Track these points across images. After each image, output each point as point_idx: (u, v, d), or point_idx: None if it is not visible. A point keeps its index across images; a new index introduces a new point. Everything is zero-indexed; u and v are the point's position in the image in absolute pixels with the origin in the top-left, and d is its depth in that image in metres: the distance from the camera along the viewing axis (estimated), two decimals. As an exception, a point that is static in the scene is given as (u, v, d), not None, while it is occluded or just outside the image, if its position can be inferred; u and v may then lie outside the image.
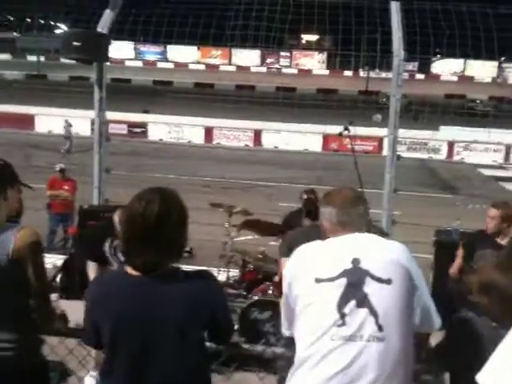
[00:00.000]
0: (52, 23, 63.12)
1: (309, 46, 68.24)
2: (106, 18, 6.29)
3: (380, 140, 24.99)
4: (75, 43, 5.68)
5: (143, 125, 27.60)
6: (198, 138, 27.31)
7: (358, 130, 25.56)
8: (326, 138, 26.39)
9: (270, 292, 5.06)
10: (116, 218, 3.75)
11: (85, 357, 2.57)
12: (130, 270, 1.84)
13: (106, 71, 6.49)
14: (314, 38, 67.51)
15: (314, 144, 26.68)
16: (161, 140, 26.86)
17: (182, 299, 1.79)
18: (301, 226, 6.10)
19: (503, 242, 4.04)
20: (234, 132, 27.44)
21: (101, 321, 1.83)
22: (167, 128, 27.55)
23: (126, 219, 1.84)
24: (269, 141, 27.16)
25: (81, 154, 20.09)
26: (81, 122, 24.36)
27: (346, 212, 1.96)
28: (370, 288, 1.79)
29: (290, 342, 2.05)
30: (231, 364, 2.33)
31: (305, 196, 6.19)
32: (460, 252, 4.40)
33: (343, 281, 1.80)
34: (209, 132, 27.40)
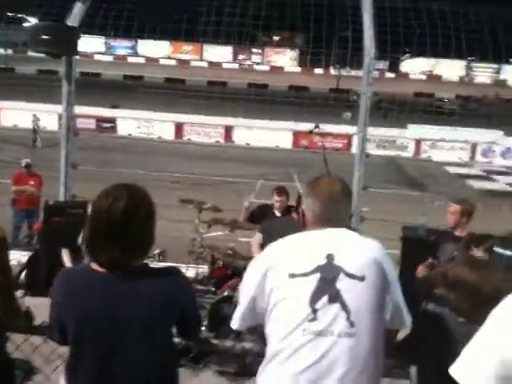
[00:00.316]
0: (21, 16, 61.74)
1: (280, 43, 68.48)
2: (76, 12, 6.18)
3: (349, 138, 25.27)
4: (44, 36, 5.57)
5: (112, 120, 27.24)
6: (168, 133, 27.11)
7: (327, 128, 25.76)
8: (297, 135, 26.54)
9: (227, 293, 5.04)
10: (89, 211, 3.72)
11: (49, 355, 2.53)
12: (95, 266, 1.81)
13: (75, 65, 6.39)
14: (285, 35, 67.68)
15: (285, 141, 26.79)
16: (130, 135, 26.58)
17: (149, 297, 1.77)
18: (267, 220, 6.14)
19: (462, 234, 4.35)
20: (204, 128, 27.32)
21: (65, 318, 1.80)
22: (137, 123, 27.25)
23: (92, 215, 1.82)
24: (240, 137, 27.14)
25: (48, 149, 19.79)
26: (48, 116, 23.89)
27: (332, 207, 1.95)
28: (343, 284, 1.79)
29: (259, 337, 2.06)
30: (200, 360, 2.33)
31: (276, 194, 6.21)
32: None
33: (317, 276, 1.80)
34: (179, 128, 27.22)
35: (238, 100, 34.45)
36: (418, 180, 20.40)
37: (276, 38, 68.76)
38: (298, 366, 1.75)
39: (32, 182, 9.10)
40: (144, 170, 16.36)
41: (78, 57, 6.42)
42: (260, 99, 35.31)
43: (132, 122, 27.35)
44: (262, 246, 5.01)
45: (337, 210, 1.96)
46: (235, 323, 1.99)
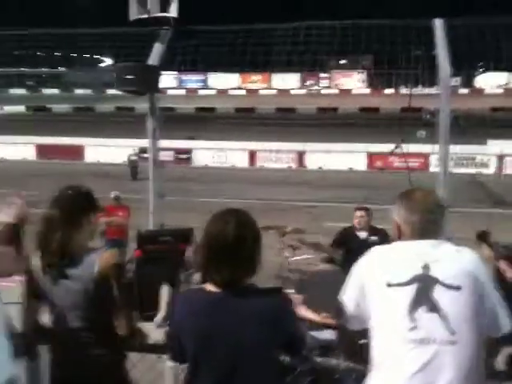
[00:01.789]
0: (95, 57, 65.73)
1: (348, 66, 68.37)
2: (156, 51, 6.55)
3: (425, 156, 24.62)
4: (128, 76, 5.92)
5: (188, 151, 28.20)
6: (242, 161, 27.66)
7: (404, 147, 25.09)
8: (371, 157, 26.21)
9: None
10: (189, 252, 4.05)
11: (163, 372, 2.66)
12: (209, 287, 1.92)
13: (157, 101, 6.73)
14: (353, 57, 67.54)
15: (359, 163, 26.52)
16: (205, 165, 27.35)
17: (260, 314, 1.85)
18: (354, 241, 6.12)
19: None
20: (277, 154, 27.63)
21: (184, 337, 1.91)
22: (211, 153, 28.03)
23: (206, 238, 1.94)
24: (312, 162, 27.18)
25: (129, 181, 20.76)
26: (126, 150, 25.07)
27: (428, 219, 1.98)
28: (440, 294, 1.83)
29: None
30: (304, 378, 2.37)
31: (357, 213, 6.21)
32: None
33: (414, 286, 1.85)
34: (252, 155, 27.71)
35: (307, 125, 34.62)
36: (503, 197, 19.48)
37: (342, 62, 68.74)
38: (403, 374, 1.79)
39: (120, 213, 9.56)
40: (219, 198, 16.75)
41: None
42: (330, 123, 35.27)
43: (207, 152, 28.18)
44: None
45: (433, 221, 2.00)
46: (350, 324, 2.06)
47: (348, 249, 5.90)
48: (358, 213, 6.22)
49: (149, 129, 6.57)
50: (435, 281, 1.85)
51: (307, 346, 2.12)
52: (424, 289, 1.84)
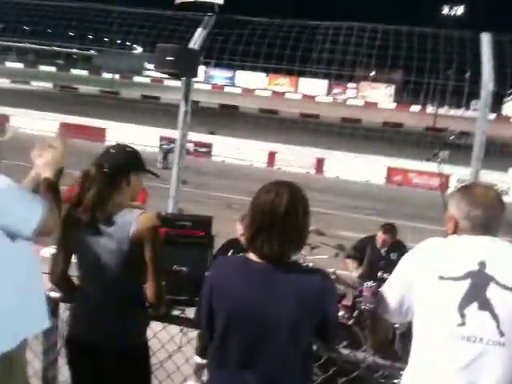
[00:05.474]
0: (128, 43, 66.19)
1: (377, 79, 68.08)
2: (198, 36, 6.55)
3: (446, 177, 24.39)
4: (169, 58, 5.91)
5: (209, 145, 28.24)
6: (260, 161, 27.61)
7: (421, 166, 24.85)
8: (390, 171, 26.03)
9: (341, 314, 5.00)
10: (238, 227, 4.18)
11: (184, 345, 2.65)
12: (252, 256, 1.89)
13: (192, 87, 6.73)
14: (382, 70, 67.24)
15: (377, 176, 26.34)
16: (224, 161, 27.36)
17: (298, 293, 1.81)
18: (375, 253, 6.08)
19: None
20: (296, 158, 27.53)
21: (217, 305, 1.87)
22: (231, 149, 28.04)
23: (254, 208, 1.91)
24: (331, 169, 27.04)
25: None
26: (147, 137, 25.27)
27: (490, 215, 1.94)
28: (494, 293, 1.78)
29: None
30: (328, 369, 2.34)
31: (382, 235, 6.12)
32: None
33: (467, 282, 1.80)
34: (271, 156, 27.66)
35: (330, 132, 34.49)
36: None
37: (372, 74, 68.50)
38: (446, 369, 1.75)
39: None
40: (235, 195, 16.72)
41: (196, 79, 6.74)
42: (353, 133, 35.11)
43: (226, 148, 28.18)
44: None
45: (494, 218, 1.95)
46: (391, 317, 2.01)
47: (368, 258, 5.86)
48: (383, 236, 6.13)
49: (180, 113, 6.56)
50: (490, 279, 1.80)
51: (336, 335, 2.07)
52: (477, 286, 1.79)
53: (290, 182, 1.97)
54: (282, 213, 1.83)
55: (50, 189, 2.15)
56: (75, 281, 2.45)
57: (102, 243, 2.25)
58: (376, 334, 2.11)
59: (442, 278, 1.83)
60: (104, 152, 2.38)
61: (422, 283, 1.87)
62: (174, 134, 7.17)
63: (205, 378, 3.90)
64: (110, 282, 2.27)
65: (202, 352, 3.96)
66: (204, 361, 3.60)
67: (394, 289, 1.99)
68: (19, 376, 2.14)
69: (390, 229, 6.17)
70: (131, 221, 2.25)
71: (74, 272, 2.43)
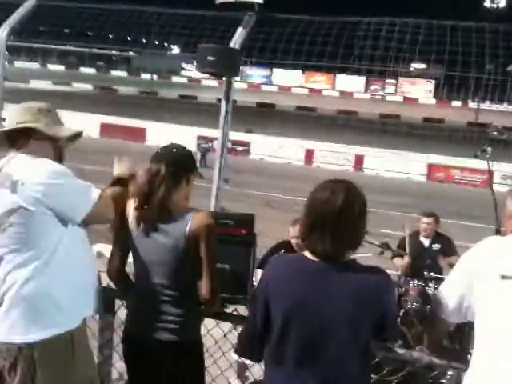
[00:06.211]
0: (165, 44, 67.13)
1: (417, 74, 66.94)
2: (239, 36, 6.57)
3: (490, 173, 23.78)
4: (210, 57, 5.95)
5: (247, 143, 28.33)
6: (299, 159, 27.54)
7: (465, 163, 24.24)
8: (432, 168, 25.54)
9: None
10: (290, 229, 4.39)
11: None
12: (308, 255, 1.88)
13: (233, 86, 6.75)
14: (422, 66, 66.04)
15: (418, 172, 25.89)
16: (262, 159, 27.41)
17: (356, 291, 1.80)
18: (417, 248, 5.99)
19: None
20: (334, 155, 27.33)
21: (275, 302, 1.86)
22: (269, 148, 28.04)
23: (310, 206, 1.90)
24: (370, 166, 26.73)
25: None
26: (185, 136, 25.57)
27: None
28: None
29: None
30: (381, 369, 2.31)
31: (424, 219, 6.07)
32: None
33: None
34: (309, 154, 27.54)
35: (369, 129, 34.11)
36: None
37: (412, 69, 67.36)
38: (510, 371, 1.70)
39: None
40: (274, 193, 16.73)
41: (237, 78, 6.77)
42: (392, 129, 34.63)
43: (264, 147, 28.21)
44: None
45: None
46: (449, 316, 1.96)
47: (412, 252, 5.80)
48: (426, 219, 6.08)
49: (222, 111, 6.60)
50: None
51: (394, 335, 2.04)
52: None
53: (347, 180, 1.95)
54: (335, 211, 1.82)
55: (118, 182, 2.45)
56: (131, 277, 2.49)
57: (159, 240, 2.29)
58: (433, 334, 2.07)
59: (504, 277, 1.78)
60: (166, 152, 2.40)
61: (484, 282, 1.82)
62: (212, 132, 7.22)
63: (248, 374, 3.91)
64: (165, 279, 2.31)
65: (241, 351, 3.97)
66: (241, 359, 3.59)
67: (453, 288, 1.94)
68: (83, 357, 2.28)
69: (431, 213, 6.12)
70: (188, 219, 2.28)
71: (131, 268, 2.48)
